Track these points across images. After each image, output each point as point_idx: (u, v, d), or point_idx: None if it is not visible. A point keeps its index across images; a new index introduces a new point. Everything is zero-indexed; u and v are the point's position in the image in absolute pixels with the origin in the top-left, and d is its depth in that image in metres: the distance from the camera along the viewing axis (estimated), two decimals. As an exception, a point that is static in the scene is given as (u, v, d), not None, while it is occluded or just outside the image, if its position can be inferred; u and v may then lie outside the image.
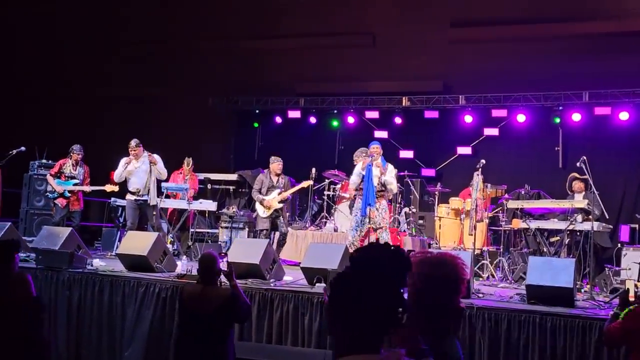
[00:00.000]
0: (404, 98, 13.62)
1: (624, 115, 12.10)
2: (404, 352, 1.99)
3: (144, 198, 10.33)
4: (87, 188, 11.04)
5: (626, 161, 12.24)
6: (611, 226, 9.98)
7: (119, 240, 10.50)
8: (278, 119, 14.92)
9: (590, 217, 8.79)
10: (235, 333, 6.49)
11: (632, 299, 4.84)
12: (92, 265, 8.38)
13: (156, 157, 10.54)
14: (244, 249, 8.22)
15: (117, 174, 10.51)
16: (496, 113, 13.02)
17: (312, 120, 14.60)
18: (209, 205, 11.37)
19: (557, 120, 12.68)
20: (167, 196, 10.93)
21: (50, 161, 12.26)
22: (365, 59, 13.95)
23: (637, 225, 10.65)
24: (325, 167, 12.49)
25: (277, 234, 10.62)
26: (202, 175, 12.88)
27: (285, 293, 7.15)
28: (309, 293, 7.03)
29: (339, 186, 12.00)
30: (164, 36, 14.74)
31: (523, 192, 10.84)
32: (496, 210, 10.89)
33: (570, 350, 6.07)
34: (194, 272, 7.07)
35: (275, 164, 10.69)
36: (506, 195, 10.96)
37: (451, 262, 2.72)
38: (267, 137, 15.09)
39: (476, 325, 6.37)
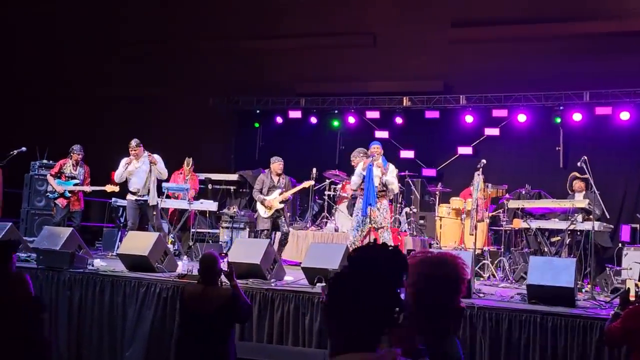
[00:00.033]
0: (404, 98, 13.62)
1: (624, 115, 12.10)
2: (400, 352, 2.01)
3: (144, 198, 10.33)
4: (88, 188, 11.03)
5: (627, 161, 12.23)
6: (612, 226, 9.98)
7: (120, 241, 10.51)
8: (279, 119, 14.92)
9: (591, 216, 8.79)
10: (236, 333, 6.50)
11: (632, 298, 4.84)
12: (93, 266, 8.38)
13: (156, 157, 10.53)
14: (244, 249, 8.23)
15: (118, 174, 10.51)
16: (497, 113, 13.02)
17: (313, 120, 14.60)
18: (210, 205, 11.38)
19: (558, 120, 12.67)
20: (168, 196, 10.92)
21: (51, 161, 12.26)
22: (365, 59, 13.96)
23: (637, 225, 10.63)
24: (325, 167, 12.49)
25: (279, 233, 10.60)
26: (202, 176, 12.88)
27: (286, 293, 7.15)
28: (309, 293, 7.03)
29: (339, 186, 12.00)
30: (164, 36, 14.75)
31: (524, 192, 10.84)
32: (496, 210, 10.89)
33: (571, 350, 6.07)
34: (195, 272, 7.07)
35: (276, 163, 10.68)
36: (507, 195, 10.96)
37: (452, 262, 2.72)
38: (267, 137, 15.09)
39: (477, 325, 6.37)
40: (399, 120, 13.84)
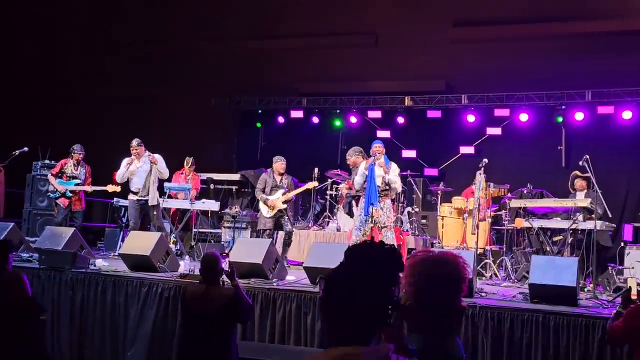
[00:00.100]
0: (406, 98, 13.62)
1: (627, 115, 12.08)
2: (393, 348, 2.03)
3: (145, 199, 10.33)
4: (89, 188, 11.03)
5: (629, 160, 12.21)
6: (615, 225, 9.97)
7: (122, 241, 10.53)
8: (281, 119, 14.93)
9: (593, 216, 8.78)
10: (239, 333, 6.50)
11: (634, 297, 4.82)
12: (95, 266, 8.39)
13: (157, 157, 10.53)
14: (246, 249, 8.22)
15: (120, 175, 10.51)
16: (499, 113, 13.01)
17: (315, 120, 14.61)
18: (212, 205, 11.38)
19: (560, 119, 12.66)
20: (170, 196, 10.92)
21: (53, 162, 12.27)
22: (367, 59, 13.96)
23: (640, 224, 10.64)
24: (328, 167, 12.47)
25: (282, 233, 10.59)
26: (205, 176, 12.88)
27: (288, 293, 7.14)
28: (312, 293, 7.02)
29: (341, 186, 12.00)
30: (164, 36, 14.77)
31: (526, 192, 10.83)
32: (498, 210, 10.87)
33: (574, 350, 6.06)
34: (197, 272, 7.07)
35: (279, 163, 10.66)
36: (509, 195, 10.94)
37: (453, 262, 2.72)
38: (270, 137, 15.10)
39: (479, 325, 6.36)
40: (401, 120, 13.83)
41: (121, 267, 8.34)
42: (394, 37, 13.78)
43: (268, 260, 7.86)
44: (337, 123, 14.50)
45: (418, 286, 2.67)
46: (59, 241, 8.75)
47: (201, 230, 11.68)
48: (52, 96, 15.23)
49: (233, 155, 15.47)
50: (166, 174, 10.69)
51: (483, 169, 9.76)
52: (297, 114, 14.57)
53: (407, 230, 11.14)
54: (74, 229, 9.42)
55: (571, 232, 9.18)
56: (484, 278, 9.43)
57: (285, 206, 10.49)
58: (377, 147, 9.03)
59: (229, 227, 11.86)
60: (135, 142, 10.46)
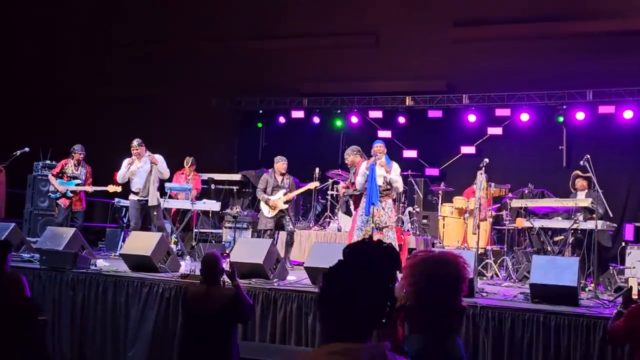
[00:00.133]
0: (407, 98, 13.63)
1: (628, 114, 12.07)
2: (389, 346, 2.04)
3: (146, 199, 10.34)
4: (90, 188, 11.03)
5: (630, 160, 12.20)
6: (615, 225, 9.96)
7: (123, 241, 10.53)
8: (282, 119, 14.94)
9: (594, 215, 8.77)
10: (239, 333, 6.50)
11: (635, 296, 4.82)
12: (95, 266, 8.39)
13: (157, 157, 10.53)
14: (247, 249, 8.22)
15: (120, 175, 10.51)
16: (500, 112, 13.01)
17: (316, 120, 14.61)
18: (213, 205, 11.36)
19: (561, 119, 12.65)
20: (170, 197, 10.92)
21: (53, 162, 12.28)
22: (368, 59, 13.96)
23: (641, 224, 10.64)
24: (328, 167, 12.47)
25: (283, 233, 10.59)
26: (205, 176, 12.88)
27: (289, 293, 7.14)
28: (312, 293, 7.01)
29: (339, 185, 11.99)
30: (164, 36, 14.76)
31: (527, 191, 10.83)
32: (498, 210, 10.86)
33: (575, 349, 6.05)
34: (198, 273, 7.07)
35: (280, 163, 10.65)
36: (510, 194, 10.94)
37: (453, 261, 2.72)
38: (270, 137, 15.10)
39: (480, 325, 6.36)
40: (401, 119, 13.83)
41: (122, 267, 8.34)
42: (394, 37, 13.77)
43: (269, 260, 7.86)
44: (338, 123, 14.50)
45: (418, 286, 2.67)
46: (60, 241, 8.75)
47: (202, 230, 11.68)
48: (52, 96, 15.23)
49: (234, 155, 15.48)
50: (166, 174, 10.69)
51: (484, 168, 9.76)
52: (297, 114, 14.58)
53: (408, 230, 11.14)
54: (74, 229, 9.42)
55: (572, 231, 9.18)
56: (484, 278, 9.43)
57: (286, 206, 10.48)
58: (378, 147, 9.02)
59: (230, 227, 11.86)
60: (135, 142, 10.47)
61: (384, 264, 2.06)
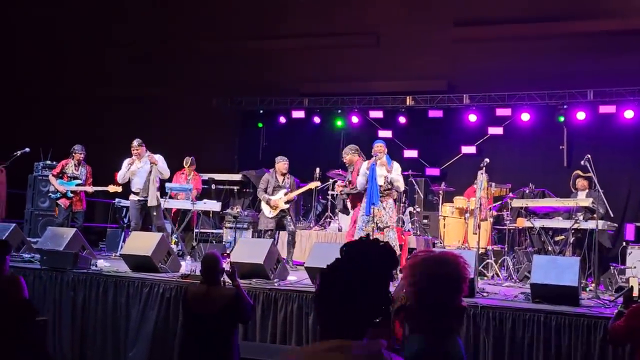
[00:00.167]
0: (408, 97, 13.63)
1: (628, 114, 12.07)
2: (385, 344, 2.05)
3: (146, 199, 10.33)
4: (90, 188, 11.02)
5: (631, 159, 12.19)
6: (616, 225, 9.96)
7: (123, 241, 10.52)
8: (282, 119, 14.94)
9: (594, 215, 8.77)
10: (240, 333, 6.49)
11: (636, 296, 4.82)
12: (96, 266, 8.40)
13: (157, 157, 10.53)
14: (248, 249, 8.22)
15: (121, 175, 10.51)
16: (500, 112, 13.01)
17: (316, 120, 14.61)
18: (213, 205, 11.35)
19: (562, 118, 12.65)
20: (171, 197, 10.91)
21: (54, 162, 12.28)
22: (369, 58, 13.96)
23: (642, 224, 10.62)
24: (329, 167, 12.46)
25: (285, 233, 10.58)
26: (206, 176, 12.87)
27: (290, 293, 7.14)
28: (313, 293, 7.00)
29: (337, 183, 11.97)
30: (164, 36, 14.76)
31: (527, 191, 10.82)
32: (499, 209, 10.85)
33: (575, 349, 6.05)
34: (198, 273, 7.07)
35: (281, 163, 10.63)
36: (511, 194, 10.93)
37: (453, 261, 2.72)
38: (271, 137, 15.11)
39: (481, 324, 6.35)
40: (402, 119, 13.83)
41: (122, 268, 8.34)
42: (395, 37, 13.77)
43: (269, 260, 7.85)
44: (339, 123, 14.50)
45: (419, 286, 2.67)
46: (60, 241, 8.74)
47: (202, 231, 11.68)
48: (52, 96, 15.23)
49: (234, 155, 15.48)
50: (167, 174, 10.68)
51: (484, 168, 9.74)
52: (298, 114, 14.58)
53: (409, 230, 11.13)
54: (75, 229, 9.41)
55: (573, 231, 9.17)
56: (485, 278, 9.42)
57: (287, 206, 10.47)
58: (379, 147, 9.00)
59: (230, 227, 11.85)
60: (135, 142, 10.47)
61: (381, 263, 2.07)
